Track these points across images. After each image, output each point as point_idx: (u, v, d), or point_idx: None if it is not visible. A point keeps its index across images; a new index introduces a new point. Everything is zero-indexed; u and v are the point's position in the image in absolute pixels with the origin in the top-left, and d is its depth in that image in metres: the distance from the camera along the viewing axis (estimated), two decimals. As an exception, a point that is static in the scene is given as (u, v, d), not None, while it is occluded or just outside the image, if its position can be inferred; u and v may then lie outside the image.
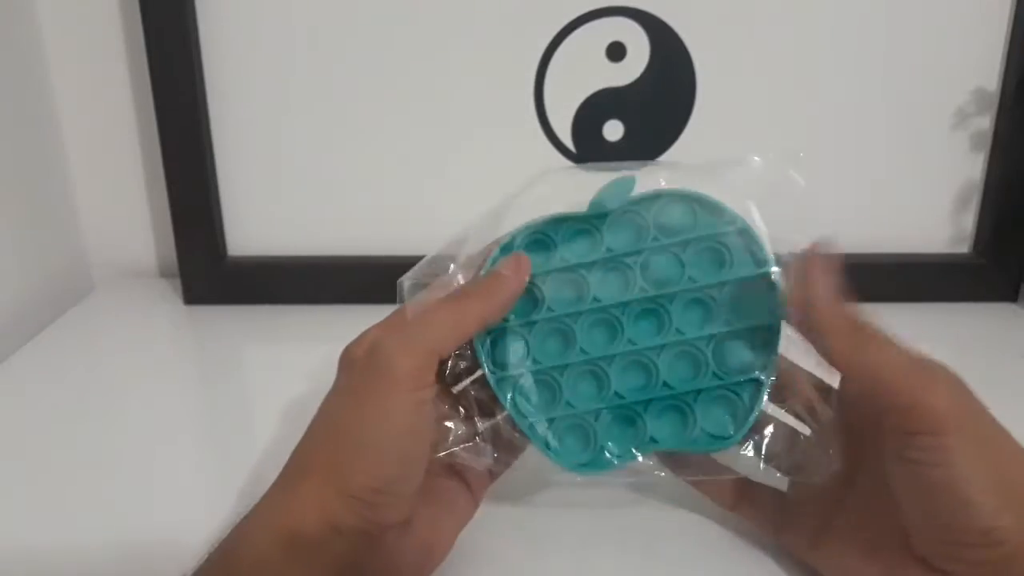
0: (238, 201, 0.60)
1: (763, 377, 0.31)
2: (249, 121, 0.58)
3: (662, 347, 0.32)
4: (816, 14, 0.56)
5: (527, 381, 0.33)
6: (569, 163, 0.33)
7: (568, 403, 0.33)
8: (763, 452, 0.32)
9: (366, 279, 0.60)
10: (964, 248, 0.60)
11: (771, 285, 0.32)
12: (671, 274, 0.33)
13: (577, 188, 0.35)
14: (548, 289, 0.34)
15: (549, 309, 0.33)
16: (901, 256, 0.60)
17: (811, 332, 0.30)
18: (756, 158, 0.33)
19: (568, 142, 0.58)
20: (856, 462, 0.31)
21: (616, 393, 0.33)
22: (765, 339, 0.32)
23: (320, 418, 0.31)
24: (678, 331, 0.32)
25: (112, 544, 0.36)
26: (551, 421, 0.33)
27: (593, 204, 0.34)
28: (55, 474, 0.42)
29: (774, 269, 0.32)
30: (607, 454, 0.33)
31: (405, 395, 0.29)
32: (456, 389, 0.34)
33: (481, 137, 0.58)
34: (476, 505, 0.34)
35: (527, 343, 0.33)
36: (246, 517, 0.29)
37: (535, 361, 0.33)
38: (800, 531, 0.33)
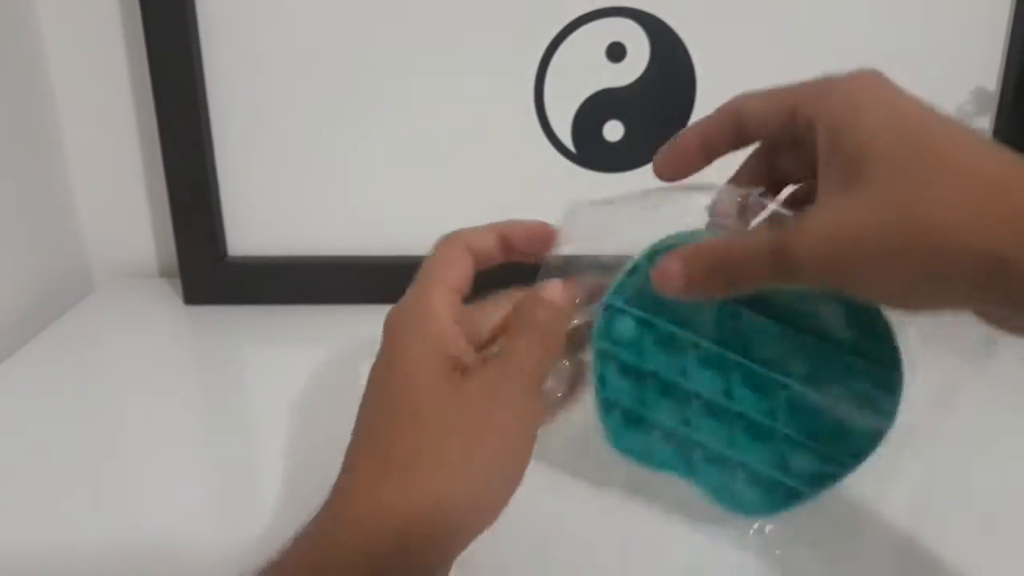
0: (238, 201, 0.60)
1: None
2: (249, 121, 0.58)
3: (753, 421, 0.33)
4: (816, 14, 0.56)
5: (621, 363, 0.33)
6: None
7: (644, 403, 0.33)
8: None
9: (366, 279, 0.60)
10: (964, 248, 0.60)
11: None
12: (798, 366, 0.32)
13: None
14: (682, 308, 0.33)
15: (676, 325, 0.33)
16: (901, 256, 0.60)
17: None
18: None
19: (568, 143, 0.58)
20: None
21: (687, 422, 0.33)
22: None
23: (406, 425, 0.29)
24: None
25: (111, 544, 0.36)
26: (626, 411, 0.34)
27: None
28: (55, 474, 0.42)
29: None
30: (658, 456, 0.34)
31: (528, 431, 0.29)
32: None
33: (481, 137, 0.58)
34: None
35: (640, 335, 0.33)
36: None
37: (637, 352, 0.33)
38: None
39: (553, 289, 0.32)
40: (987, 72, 0.57)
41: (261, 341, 0.58)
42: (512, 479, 0.29)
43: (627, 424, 0.34)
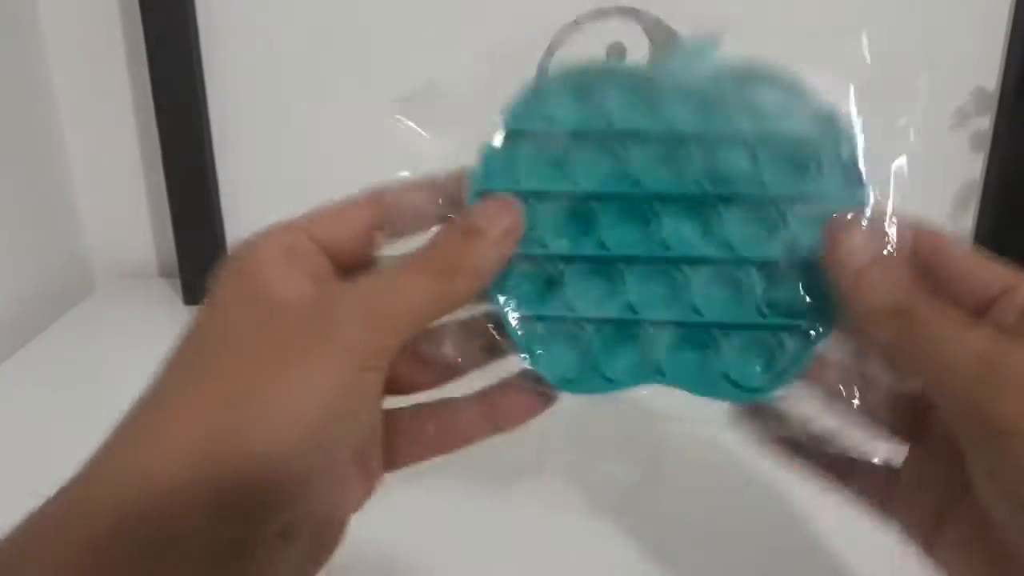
0: (238, 201, 0.60)
1: (815, 330, 0.24)
2: (249, 121, 0.58)
3: (702, 260, 0.25)
4: (815, 15, 0.55)
5: (521, 265, 0.25)
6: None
7: (568, 303, 0.25)
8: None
9: (366, 279, 0.60)
10: (964, 248, 0.60)
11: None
12: (738, 170, 0.25)
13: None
14: (574, 152, 0.26)
15: (570, 179, 0.26)
16: (901, 256, 0.60)
17: (848, 308, 0.23)
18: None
19: (568, 142, 0.58)
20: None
21: (630, 305, 0.25)
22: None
23: (210, 360, 0.24)
24: (728, 245, 0.25)
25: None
26: (541, 320, 0.25)
27: (656, 68, 0.27)
28: (55, 474, 0.41)
29: (871, 200, 0.24)
30: (602, 375, 0.25)
31: (353, 372, 0.22)
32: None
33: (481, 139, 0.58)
34: (378, 477, 0.26)
35: (533, 217, 0.25)
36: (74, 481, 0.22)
37: (538, 243, 0.26)
38: (916, 517, 0.26)
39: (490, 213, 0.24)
40: (987, 72, 0.57)
41: (261, 341, 0.58)
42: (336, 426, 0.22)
43: (552, 343, 0.25)
